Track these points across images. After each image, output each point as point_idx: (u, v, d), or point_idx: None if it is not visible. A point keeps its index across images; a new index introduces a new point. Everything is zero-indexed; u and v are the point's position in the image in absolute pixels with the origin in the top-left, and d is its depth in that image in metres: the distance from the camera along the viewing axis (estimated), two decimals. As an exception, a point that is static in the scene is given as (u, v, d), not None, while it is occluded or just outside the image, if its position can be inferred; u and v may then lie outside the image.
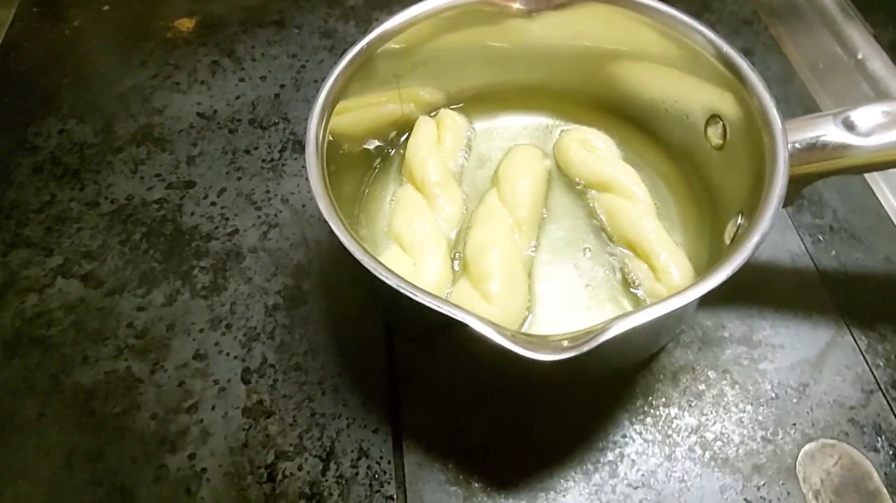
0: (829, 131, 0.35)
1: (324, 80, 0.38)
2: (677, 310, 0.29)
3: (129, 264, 0.47)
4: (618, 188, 0.42)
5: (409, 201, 0.43)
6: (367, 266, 0.31)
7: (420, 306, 0.30)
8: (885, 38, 0.58)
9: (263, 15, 0.63)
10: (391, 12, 0.41)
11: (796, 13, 0.62)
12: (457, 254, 0.42)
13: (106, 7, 0.65)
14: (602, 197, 0.43)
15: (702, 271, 0.37)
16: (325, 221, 0.33)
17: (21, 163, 0.53)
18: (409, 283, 0.30)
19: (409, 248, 0.40)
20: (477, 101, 0.48)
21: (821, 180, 0.49)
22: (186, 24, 0.63)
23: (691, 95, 0.41)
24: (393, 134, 0.46)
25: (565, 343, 0.28)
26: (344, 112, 0.39)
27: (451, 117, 0.46)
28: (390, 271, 0.30)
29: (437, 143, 0.45)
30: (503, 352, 0.28)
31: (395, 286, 0.30)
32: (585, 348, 0.28)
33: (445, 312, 0.29)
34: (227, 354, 0.42)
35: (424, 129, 0.45)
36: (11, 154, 0.53)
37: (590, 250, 0.42)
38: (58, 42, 0.63)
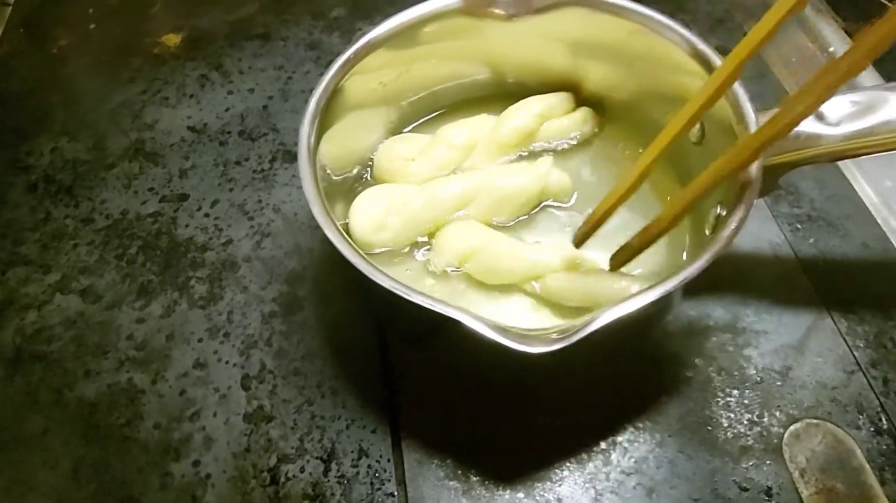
0: (799, 123, 0.36)
1: (312, 90, 0.39)
2: (662, 298, 0.30)
3: (126, 278, 0.48)
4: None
5: (481, 123, 0.46)
6: (361, 269, 0.32)
7: (413, 305, 0.31)
8: (855, 31, 0.60)
9: (249, 28, 0.64)
10: (374, 23, 0.42)
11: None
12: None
13: (92, 26, 0.66)
14: None
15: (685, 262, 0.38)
16: (318, 228, 0.34)
17: (14, 182, 0.54)
18: (403, 284, 0.31)
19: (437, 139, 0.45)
20: (463, 105, 0.49)
21: (797, 172, 0.51)
22: (173, 39, 0.64)
23: (669, 94, 0.42)
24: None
25: (554, 335, 0.29)
26: (334, 121, 0.40)
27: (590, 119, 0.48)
28: (384, 273, 0.32)
29: (542, 117, 0.46)
30: (495, 346, 0.29)
31: (388, 287, 0.31)
32: (574, 338, 0.29)
33: (439, 310, 0.30)
34: (227, 362, 0.43)
35: (549, 100, 0.47)
36: (5, 173, 0.54)
37: None
38: (45, 61, 0.63)
